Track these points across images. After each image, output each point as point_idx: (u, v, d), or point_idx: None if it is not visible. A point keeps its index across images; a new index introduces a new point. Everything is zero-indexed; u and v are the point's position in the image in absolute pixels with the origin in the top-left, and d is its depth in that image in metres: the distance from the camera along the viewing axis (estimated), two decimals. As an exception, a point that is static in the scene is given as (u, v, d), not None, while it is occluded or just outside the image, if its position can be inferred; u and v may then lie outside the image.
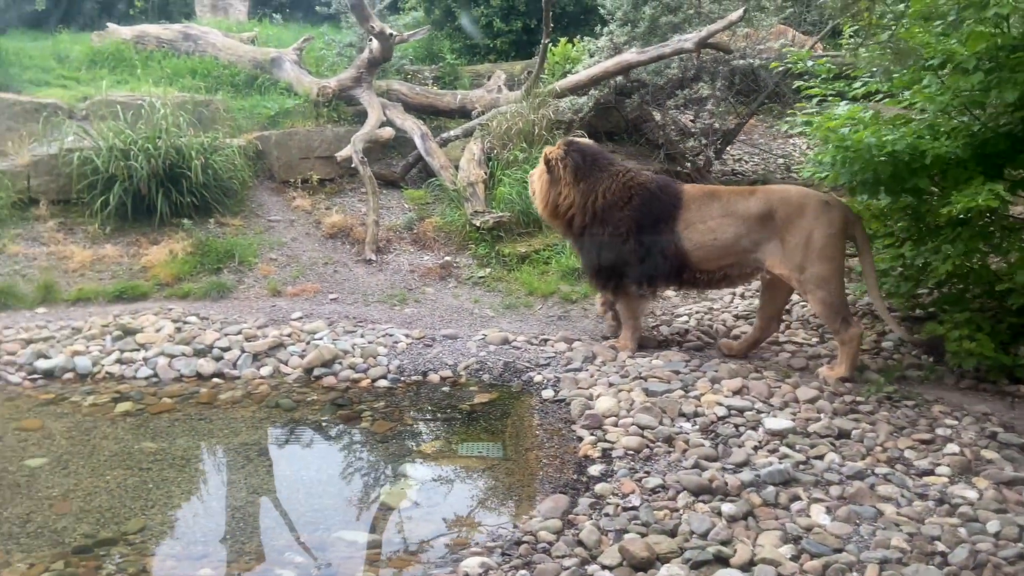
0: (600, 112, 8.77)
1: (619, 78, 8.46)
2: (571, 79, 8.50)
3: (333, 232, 7.49)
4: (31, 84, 8.61)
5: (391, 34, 8.25)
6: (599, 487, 3.78)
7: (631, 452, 4.10)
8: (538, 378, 5.20)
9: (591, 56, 8.82)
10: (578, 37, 9.54)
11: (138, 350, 5.48)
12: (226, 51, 9.67)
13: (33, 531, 3.60)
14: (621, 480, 3.83)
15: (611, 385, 4.91)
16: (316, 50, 10.19)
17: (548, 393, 4.98)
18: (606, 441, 4.25)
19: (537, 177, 5.71)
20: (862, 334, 5.07)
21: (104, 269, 6.68)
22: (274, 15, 13.91)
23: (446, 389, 5.21)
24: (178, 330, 5.69)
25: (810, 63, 5.87)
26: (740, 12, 7.36)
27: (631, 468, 3.96)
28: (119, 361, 5.38)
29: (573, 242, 5.77)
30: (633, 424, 4.35)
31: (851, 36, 5.12)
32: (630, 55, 8.12)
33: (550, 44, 8.58)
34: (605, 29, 8.73)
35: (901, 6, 4.79)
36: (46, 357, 5.35)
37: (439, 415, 4.90)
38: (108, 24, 10.50)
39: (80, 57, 9.66)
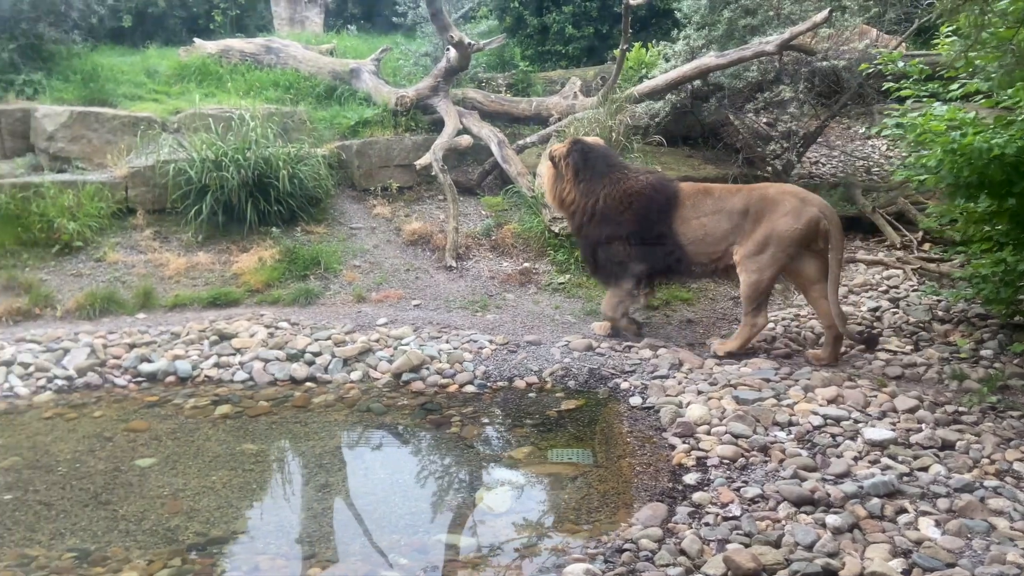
0: (676, 116, 8.71)
1: (696, 82, 8.39)
2: (648, 84, 8.45)
3: (413, 239, 7.61)
4: (126, 99, 8.96)
5: (469, 43, 8.34)
6: (696, 496, 3.76)
7: (726, 461, 4.07)
8: (624, 385, 5.19)
9: (667, 60, 8.76)
10: (652, 41, 9.49)
11: (234, 354, 5.66)
12: (306, 63, 9.91)
13: (148, 529, 3.76)
14: (718, 489, 3.80)
15: (700, 392, 4.88)
16: (393, 60, 10.36)
17: (636, 400, 4.98)
18: (699, 449, 4.22)
19: (545, 171, 6.20)
20: (766, 326, 5.55)
21: (198, 276, 6.92)
22: (349, 27, 14.18)
23: (532, 395, 5.25)
24: (271, 335, 5.86)
25: (901, 64, 5.73)
26: (825, 13, 7.19)
27: (728, 477, 3.93)
28: (217, 365, 5.57)
29: (576, 234, 6.18)
30: (727, 432, 4.31)
31: (954, 36, 4.97)
32: (709, 59, 8.04)
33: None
34: (682, 33, 8.66)
35: (1004, 3, 4.63)
36: (149, 361, 5.58)
37: (527, 421, 4.93)
38: (194, 39, 10.87)
39: (168, 72, 9.99)
